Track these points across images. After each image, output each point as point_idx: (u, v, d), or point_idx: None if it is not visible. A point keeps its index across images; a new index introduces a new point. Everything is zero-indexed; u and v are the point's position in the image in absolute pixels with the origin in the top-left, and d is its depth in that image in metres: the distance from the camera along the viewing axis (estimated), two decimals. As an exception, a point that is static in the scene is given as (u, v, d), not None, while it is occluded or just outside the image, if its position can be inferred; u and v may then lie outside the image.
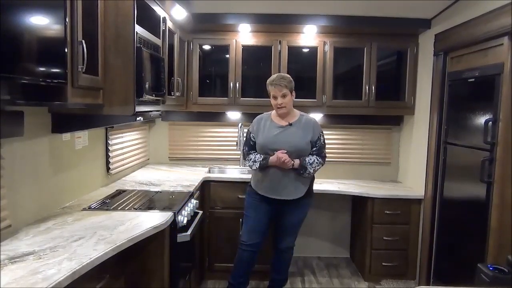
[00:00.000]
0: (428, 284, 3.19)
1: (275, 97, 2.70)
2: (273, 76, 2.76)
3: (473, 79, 2.68)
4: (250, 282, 3.25)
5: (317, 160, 2.72)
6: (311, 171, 2.70)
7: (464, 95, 2.86)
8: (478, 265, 1.90)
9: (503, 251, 2.32)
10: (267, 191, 2.75)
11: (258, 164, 2.68)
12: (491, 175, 2.44)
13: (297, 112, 2.82)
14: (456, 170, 2.93)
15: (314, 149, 2.74)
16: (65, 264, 1.43)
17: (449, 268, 2.98)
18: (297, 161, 2.66)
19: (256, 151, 2.76)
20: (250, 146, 2.80)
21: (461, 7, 2.84)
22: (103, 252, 1.57)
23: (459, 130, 2.88)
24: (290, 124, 2.73)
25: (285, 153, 2.64)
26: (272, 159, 2.66)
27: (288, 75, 2.79)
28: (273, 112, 2.82)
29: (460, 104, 2.90)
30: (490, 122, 2.44)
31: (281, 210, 2.80)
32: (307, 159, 2.69)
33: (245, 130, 3.81)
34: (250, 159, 2.74)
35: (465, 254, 2.74)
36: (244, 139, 2.85)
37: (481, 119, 2.55)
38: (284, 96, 2.68)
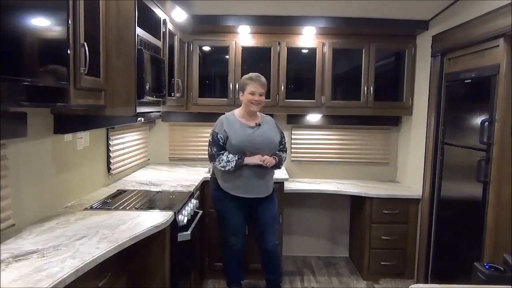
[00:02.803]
0: (426, 283, 3.21)
1: (252, 93, 2.74)
2: (251, 74, 2.83)
3: (470, 80, 2.71)
4: (249, 281, 3.33)
5: (285, 155, 2.94)
6: (281, 167, 2.93)
7: (461, 96, 2.89)
8: (475, 263, 1.92)
9: (499, 249, 2.35)
10: (242, 192, 2.77)
11: (234, 163, 2.67)
12: (487, 175, 2.47)
13: (259, 113, 2.89)
14: (453, 170, 2.96)
15: (281, 146, 2.91)
16: (69, 262, 1.46)
17: (447, 267, 3.01)
18: (273, 159, 2.79)
19: (226, 151, 2.73)
20: (218, 147, 2.74)
21: (458, 9, 2.87)
22: (106, 251, 1.60)
23: (456, 130, 2.91)
24: (259, 125, 2.81)
25: (252, 147, 2.74)
26: (251, 159, 2.71)
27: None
28: (237, 112, 2.85)
29: (457, 105, 2.93)
30: (487, 123, 2.48)
31: (255, 209, 2.84)
32: (281, 155, 2.87)
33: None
34: (223, 160, 2.69)
35: (462, 253, 2.77)
36: (210, 140, 2.78)
37: (478, 120, 2.58)
38: (261, 94, 2.76)
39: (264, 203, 2.85)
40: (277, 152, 2.85)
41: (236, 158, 2.69)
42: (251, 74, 2.82)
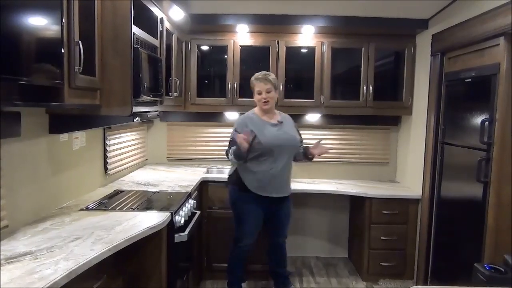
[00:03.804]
0: (425, 284, 3.19)
1: (259, 93, 2.76)
2: (258, 73, 2.85)
3: (470, 79, 2.69)
4: (249, 282, 3.33)
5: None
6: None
7: (461, 95, 2.87)
8: (475, 264, 1.90)
9: (499, 250, 2.33)
10: (268, 191, 2.77)
11: (235, 155, 2.66)
12: (488, 175, 2.45)
13: (276, 111, 2.91)
14: (453, 170, 2.93)
15: (301, 144, 2.92)
16: (62, 264, 1.44)
17: (447, 268, 2.99)
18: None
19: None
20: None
21: (458, 8, 2.85)
22: (100, 252, 1.58)
23: (456, 130, 2.89)
24: (281, 122, 2.82)
25: (279, 145, 2.74)
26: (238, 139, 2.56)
27: (273, 74, 2.90)
28: (256, 110, 2.85)
29: (457, 104, 2.91)
30: (487, 122, 2.45)
31: (275, 207, 2.86)
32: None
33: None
34: (230, 154, 2.73)
35: (462, 254, 2.75)
36: (230, 140, 2.79)
37: (478, 119, 2.56)
38: (268, 91, 2.75)
39: (283, 202, 2.88)
40: (299, 151, 2.89)
41: (234, 148, 2.64)
42: (256, 74, 2.84)
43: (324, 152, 2.79)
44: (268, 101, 2.75)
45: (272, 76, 2.81)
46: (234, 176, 2.85)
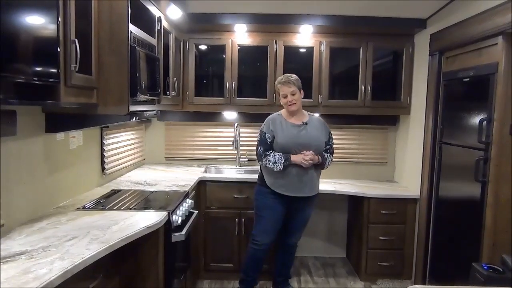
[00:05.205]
0: (424, 284, 3.19)
1: (284, 96, 2.78)
2: (281, 77, 2.88)
3: (468, 79, 2.68)
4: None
5: (331, 157, 2.92)
6: (325, 167, 2.90)
7: (459, 95, 2.87)
8: (473, 264, 1.90)
9: (497, 250, 2.33)
10: (287, 190, 2.78)
11: (281, 166, 2.70)
12: (486, 175, 2.44)
13: (305, 112, 2.91)
14: (451, 170, 2.93)
15: (328, 147, 2.89)
16: (57, 263, 1.43)
17: (445, 268, 2.99)
18: (316, 157, 2.76)
19: (273, 151, 2.77)
20: (266, 146, 2.79)
21: (456, 7, 2.84)
22: (96, 252, 1.57)
23: (454, 129, 2.89)
24: (306, 123, 2.81)
25: (296, 146, 2.74)
26: (295, 158, 2.71)
27: (295, 75, 2.85)
28: (283, 112, 2.88)
29: (455, 104, 2.91)
30: (485, 122, 2.45)
31: (295, 208, 2.87)
32: (325, 156, 2.84)
33: (241, 130, 3.83)
34: (270, 161, 2.73)
35: (460, 254, 2.74)
36: (258, 139, 2.85)
37: (476, 119, 2.56)
38: (293, 93, 2.77)
39: (304, 203, 2.87)
40: (323, 153, 2.83)
41: (283, 160, 2.70)
42: (280, 78, 2.87)
43: (299, 160, 2.71)
44: (294, 103, 2.77)
45: (294, 77, 2.80)
46: (260, 174, 2.93)
